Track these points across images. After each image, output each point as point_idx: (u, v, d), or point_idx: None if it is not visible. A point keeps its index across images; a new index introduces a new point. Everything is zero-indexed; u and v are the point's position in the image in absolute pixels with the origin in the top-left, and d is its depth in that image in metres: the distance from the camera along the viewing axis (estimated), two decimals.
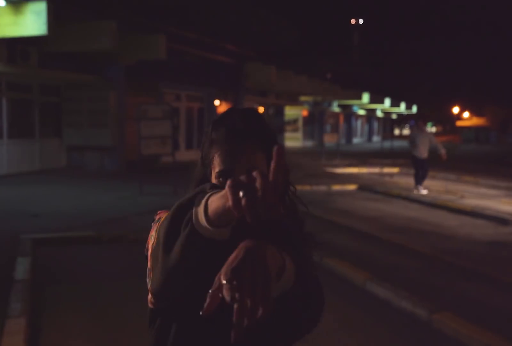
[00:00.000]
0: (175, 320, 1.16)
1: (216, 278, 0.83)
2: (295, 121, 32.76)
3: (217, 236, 0.90)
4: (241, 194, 0.76)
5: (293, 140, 31.36)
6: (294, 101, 29.24)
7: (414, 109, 51.73)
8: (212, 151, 1.21)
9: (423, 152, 11.84)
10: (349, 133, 40.30)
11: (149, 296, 1.12)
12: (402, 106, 46.25)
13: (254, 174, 0.78)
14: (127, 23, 14.12)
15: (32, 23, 10.27)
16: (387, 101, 40.53)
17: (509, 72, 55.55)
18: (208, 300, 0.82)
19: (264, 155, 1.20)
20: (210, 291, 0.82)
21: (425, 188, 12.00)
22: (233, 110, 1.28)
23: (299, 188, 1.32)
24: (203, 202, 0.90)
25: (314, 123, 34.23)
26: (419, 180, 11.99)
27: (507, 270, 6.01)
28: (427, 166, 12.02)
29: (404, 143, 35.20)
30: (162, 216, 1.13)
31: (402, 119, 63.47)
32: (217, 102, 20.86)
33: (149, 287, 1.10)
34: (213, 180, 1.21)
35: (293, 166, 1.24)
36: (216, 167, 1.19)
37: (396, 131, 68.09)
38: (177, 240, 0.95)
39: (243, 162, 1.17)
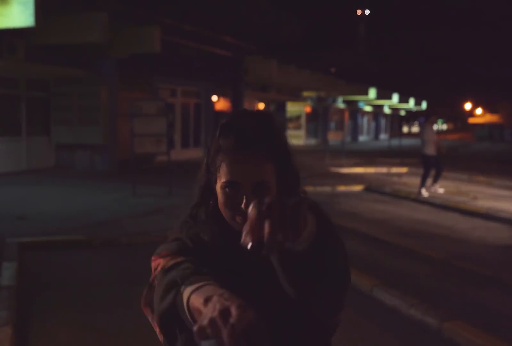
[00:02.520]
0: None
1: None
2: (297, 118, 32.77)
3: None
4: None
5: (295, 138, 31.35)
6: (297, 97, 29.24)
7: (424, 105, 51.74)
8: (219, 158, 1.19)
9: (434, 149, 11.78)
10: (355, 131, 40.30)
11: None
12: (411, 102, 46.23)
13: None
14: (119, 15, 14.12)
15: (19, 14, 10.24)
16: (395, 97, 40.53)
17: None
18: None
19: (275, 166, 1.20)
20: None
21: (427, 190, 11.86)
22: (244, 114, 1.25)
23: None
24: (186, 311, 0.98)
25: (318, 120, 34.24)
26: (438, 178, 11.98)
27: None
28: (437, 165, 11.94)
29: (412, 142, 35.26)
30: (160, 263, 1.17)
31: (411, 116, 63.49)
32: (214, 98, 20.86)
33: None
34: (218, 189, 1.21)
35: (296, 166, 1.26)
36: (223, 177, 1.18)
37: (405, 129, 68.13)
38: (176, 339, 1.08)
39: (251, 174, 1.16)
